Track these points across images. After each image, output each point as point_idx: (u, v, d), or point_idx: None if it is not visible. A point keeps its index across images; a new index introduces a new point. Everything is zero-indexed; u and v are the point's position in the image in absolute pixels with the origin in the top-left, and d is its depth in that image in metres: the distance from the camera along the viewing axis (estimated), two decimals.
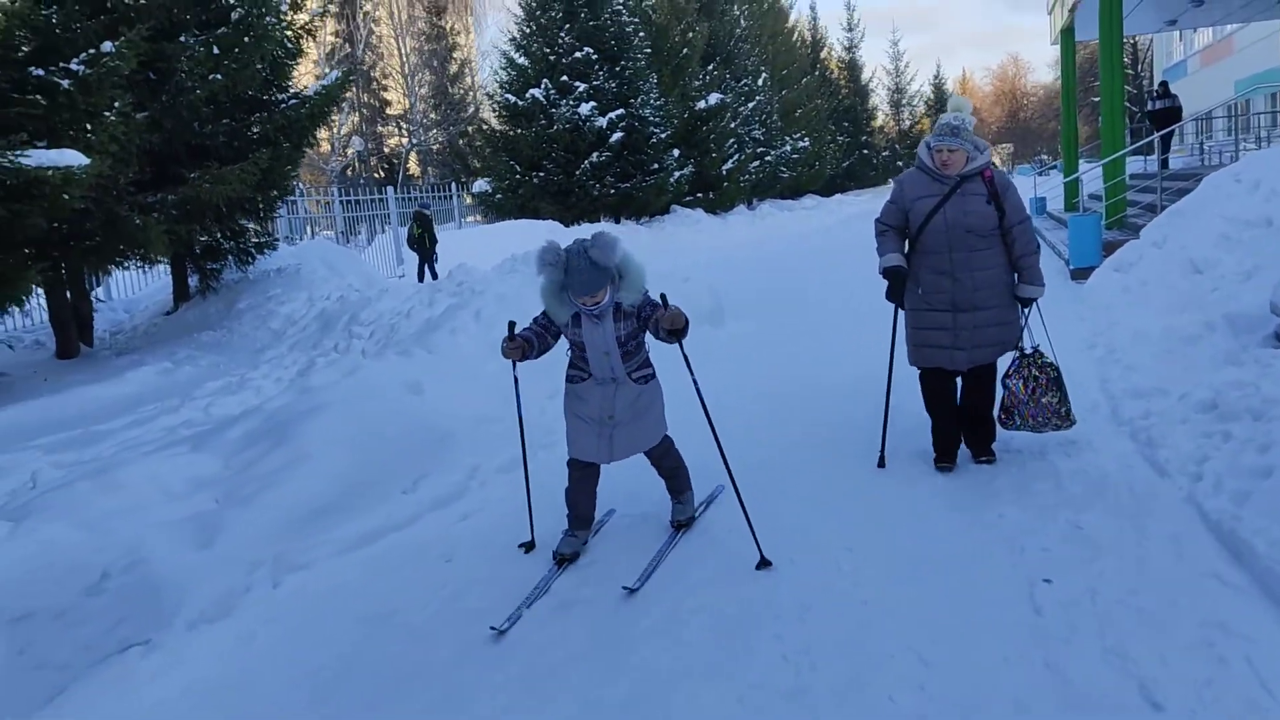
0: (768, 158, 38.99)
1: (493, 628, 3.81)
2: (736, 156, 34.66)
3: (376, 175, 43.41)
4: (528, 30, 27.74)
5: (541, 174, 26.50)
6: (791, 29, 49.44)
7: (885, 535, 4.45)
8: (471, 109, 48.84)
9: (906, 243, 5.29)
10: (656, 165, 28.44)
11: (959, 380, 5.38)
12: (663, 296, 4.32)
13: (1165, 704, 2.89)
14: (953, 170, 5.08)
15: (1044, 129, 77.52)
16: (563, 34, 27.10)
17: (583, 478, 4.57)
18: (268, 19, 11.91)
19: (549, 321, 4.42)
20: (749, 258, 19.05)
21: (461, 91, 47.29)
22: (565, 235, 22.83)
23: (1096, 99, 57.61)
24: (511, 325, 4.41)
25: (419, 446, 5.65)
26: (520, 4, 28.32)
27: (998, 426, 5.35)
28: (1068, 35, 20.93)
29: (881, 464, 5.45)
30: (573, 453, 4.55)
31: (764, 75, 40.38)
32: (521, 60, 27.71)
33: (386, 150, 46.58)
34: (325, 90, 12.73)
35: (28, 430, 7.92)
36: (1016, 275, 5.19)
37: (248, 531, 4.49)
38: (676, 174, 29.50)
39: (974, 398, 5.34)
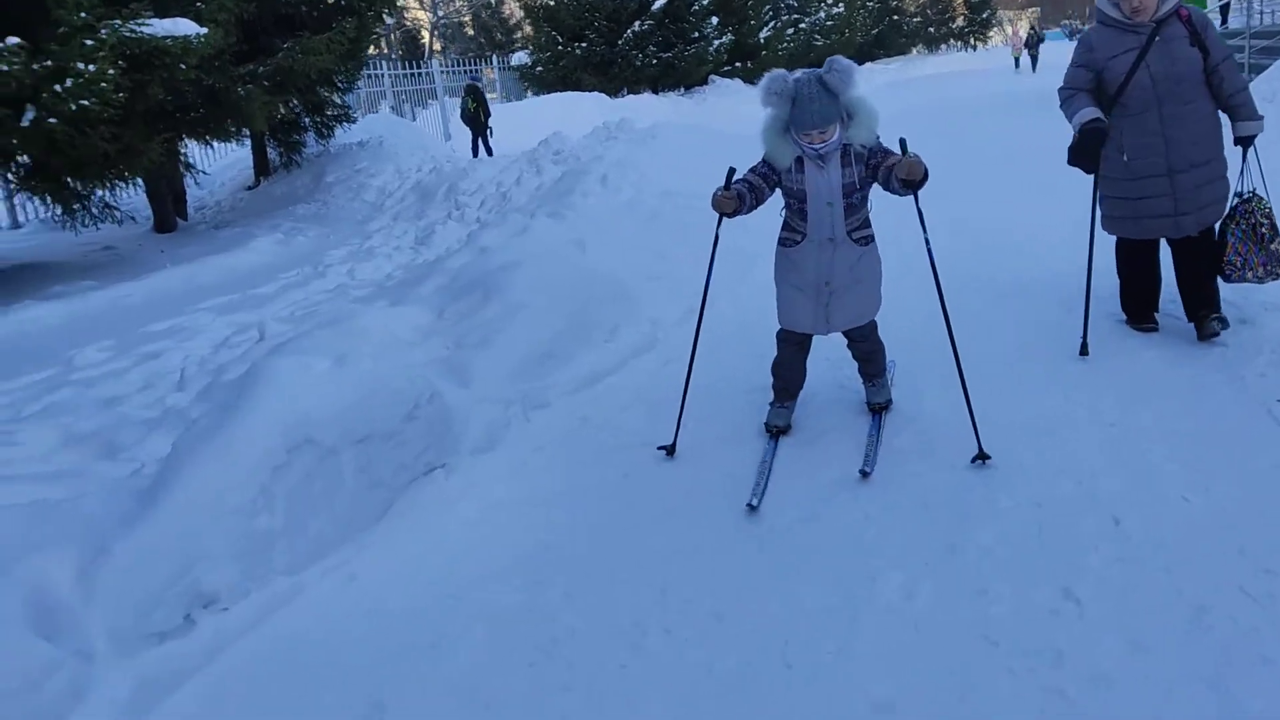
0: (801, 25, 38.19)
1: (748, 505, 3.68)
2: (773, 23, 34.02)
3: (400, 52, 42.76)
4: None
5: (584, 44, 26.12)
6: None
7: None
8: None
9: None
10: (697, 34, 27.98)
11: (1163, 244, 5.05)
12: (902, 141, 3.87)
13: None
14: (1146, 15, 4.63)
15: None
16: None
17: (794, 352, 4.32)
18: None
19: (768, 169, 4.01)
20: None
21: None
22: (611, 108, 22.76)
23: None
24: (731, 172, 4.04)
25: (604, 299, 5.92)
26: None
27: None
28: None
29: (1084, 351, 4.89)
30: (785, 323, 4.27)
31: None
32: None
33: (408, 25, 45.75)
34: None
35: (182, 297, 8.22)
36: (1230, 115, 4.73)
37: (492, 373, 4.82)
38: (716, 43, 29.03)
39: (1200, 261, 4.87)
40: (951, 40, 59.62)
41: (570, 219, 7.29)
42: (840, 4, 42.76)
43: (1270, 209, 4.77)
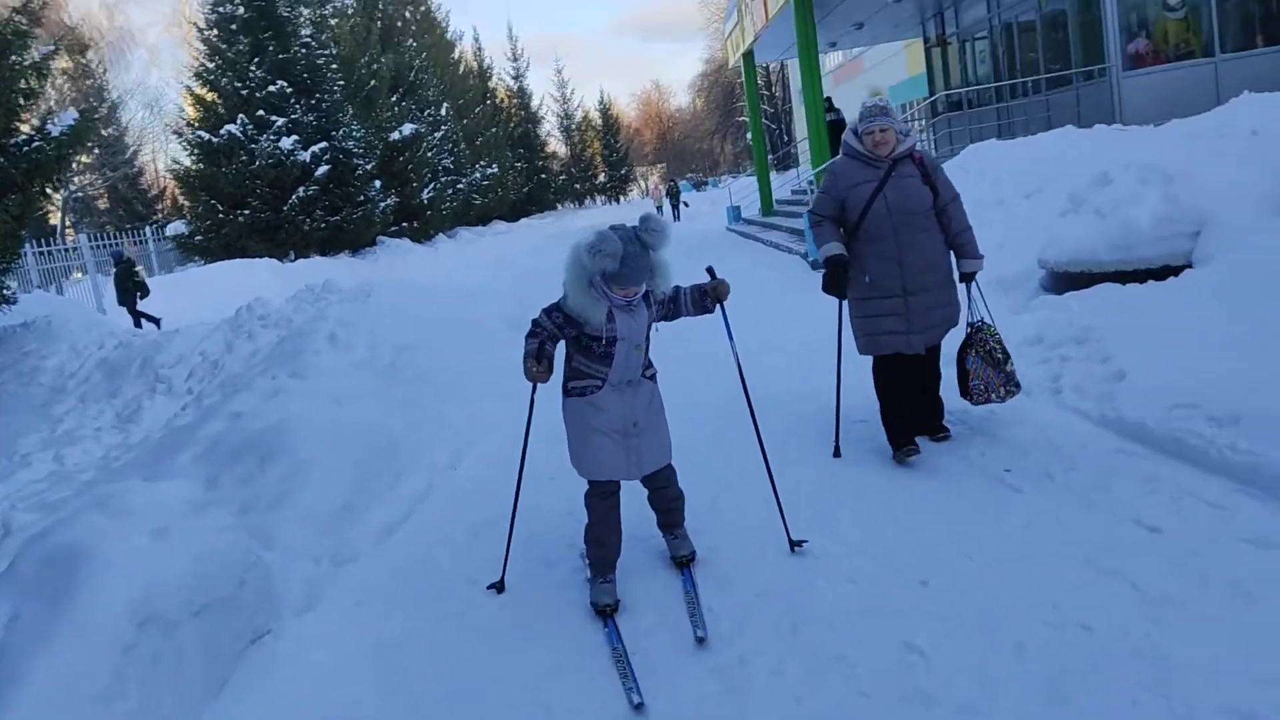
0: (459, 185, 39.55)
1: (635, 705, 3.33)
2: (433, 185, 35.05)
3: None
4: (213, 65, 26.67)
5: (247, 211, 25.58)
6: (459, 60, 50.30)
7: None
8: (131, 150, 45.66)
9: (842, 232, 5.28)
10: (363, 197, 28.29)
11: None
12: (710, 270, 4.27)
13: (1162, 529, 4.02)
14: (886, 150, 5.09)
15: (693, 149, 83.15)
16: (253, 67, 26.32)
17: (609, 507, 4.13)
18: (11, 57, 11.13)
19: (563, 323, 3.94)
20: (506, 277, 19.46)
21: (116, 133, 44.07)
22: (286, 272, 22.38)
23: (743, 119, 62.54)
24: (539, 342, 4.03)
25: (380, 450, 5.95)
26: (200, 39, 27.17)
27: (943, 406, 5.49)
28: (748, 59, 23.29)
29: (838, 453, 5.43)
30: (596, 474, 4.07)
31: (445, 105, 40.95)
32: (210, 96, 26.61)
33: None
34: (73, 129, 12.00)
35: None
36: (955, 252, 5.27)
37: (297, 532, 4.71)
38: (382, 204, 29.45)
39: (926, 378, 5.41)
40: (596, 194, 63.77)
41: (314, 377, 7.21)
42: (493, 165, 44.78)
43: (999, 334, 5.36)
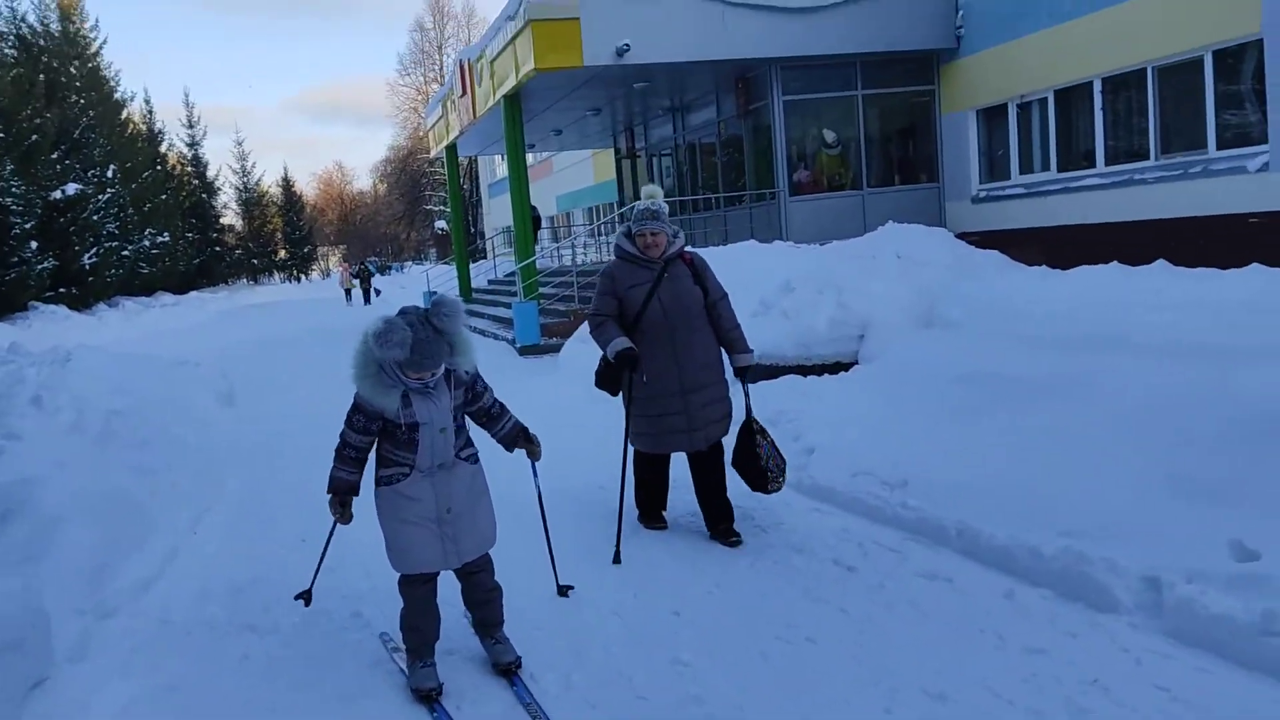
0: (125, 252, 37.05)
1: None
2: (97, 250, 32.68)
3: None
4: None
5: None
6: (127, 121, 47.46)
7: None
8: None
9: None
10: (17, 258, 26.01)
11: (680, 461, 5.56)
12: (525, 433, 4.20)
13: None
14: (657, 253, 5.25)
15: (376, 233, 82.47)
16: None
17: (426, 595, 3.96)
18: None
19: (365, 423, 3.80)
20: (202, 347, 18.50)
21: None
22: None
23: (430, 207, 62.97)
24: (350, 472, 3.89)
25: (127, 510, 5.89)
26: None
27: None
28: (451, 151, 24.06)
29: (617, 560, 5.18)
30: (408, 568, 3.89)
31: (113, 167, 38.42)
32: None
33: None
34: None
35: None
36: (726, 348, 5.42)
37: (56, 587, 4.64)
38: (39, 267, 27.16)
39: (712, 476, 5.43)
40: (275, 271, 61.53)
41: (29, 440, 6.90)
42: (164, 233, 42.34)
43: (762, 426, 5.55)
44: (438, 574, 3.98)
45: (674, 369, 5.25)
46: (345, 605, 4.85)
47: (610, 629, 4.34)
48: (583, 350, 11.66)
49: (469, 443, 4.03)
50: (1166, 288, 8.92)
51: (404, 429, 3.77)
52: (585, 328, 12.17)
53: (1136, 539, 4.29)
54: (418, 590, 3.94)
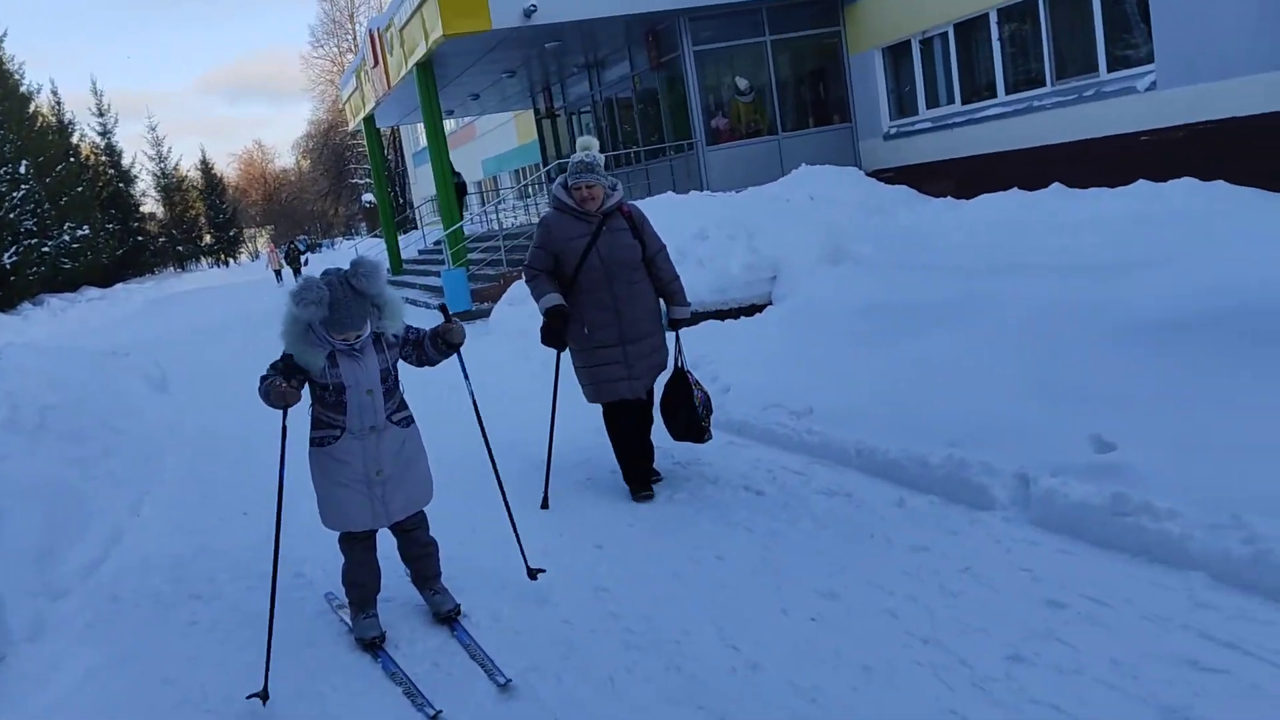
0: (45, 249, 36.29)
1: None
2: (16, 249, 32.01)
3: None
4: None
5: None
6: (35, 114, 46.16)
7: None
8: None
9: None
10: None
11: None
12: (443, 308, 4.29)
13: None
14: (594, 205, 5.22)
15: (303, 210, 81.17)
16: None
17: (364, 551, 4.14)
18: None
19: (293, 369, 3.86)
20: (131, 339, 18.38)
21: None
22: None
23: (356, 180, 62.11)
24: (286, 368, 3.86)
25: (67, 498, 6.06)
26: None
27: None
28: (369, 123, 23.91)
29: (545, 505, 5.42)
30: (341, 526, 4.06)
31: (25, 162, 37.45)
32: None
33: None
34: None
35: None
36: (665, 300, 5.51)
37: (3, 575, 4.83)
38: None
39: (643, 423, 5.60)
40: (202, 257, 60.50)
41: None
42: (83, 226, 41.46)
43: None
44: (375, 531, 4.13)
45: (614, 320, 5.31)
46: (287, 568, 5.04)
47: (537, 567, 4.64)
48: (511, 312, 11.92)
49: (402, 405, 4.12)
50: (1061, 209, 9.42)
51: (330, 390, 3.87)
52: (513, 290, 12.43)
53: (1011, 442, 4.70)
54: (356, 547, 4.12)
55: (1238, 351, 4.62)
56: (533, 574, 4.32)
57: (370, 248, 28.71)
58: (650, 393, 5.63)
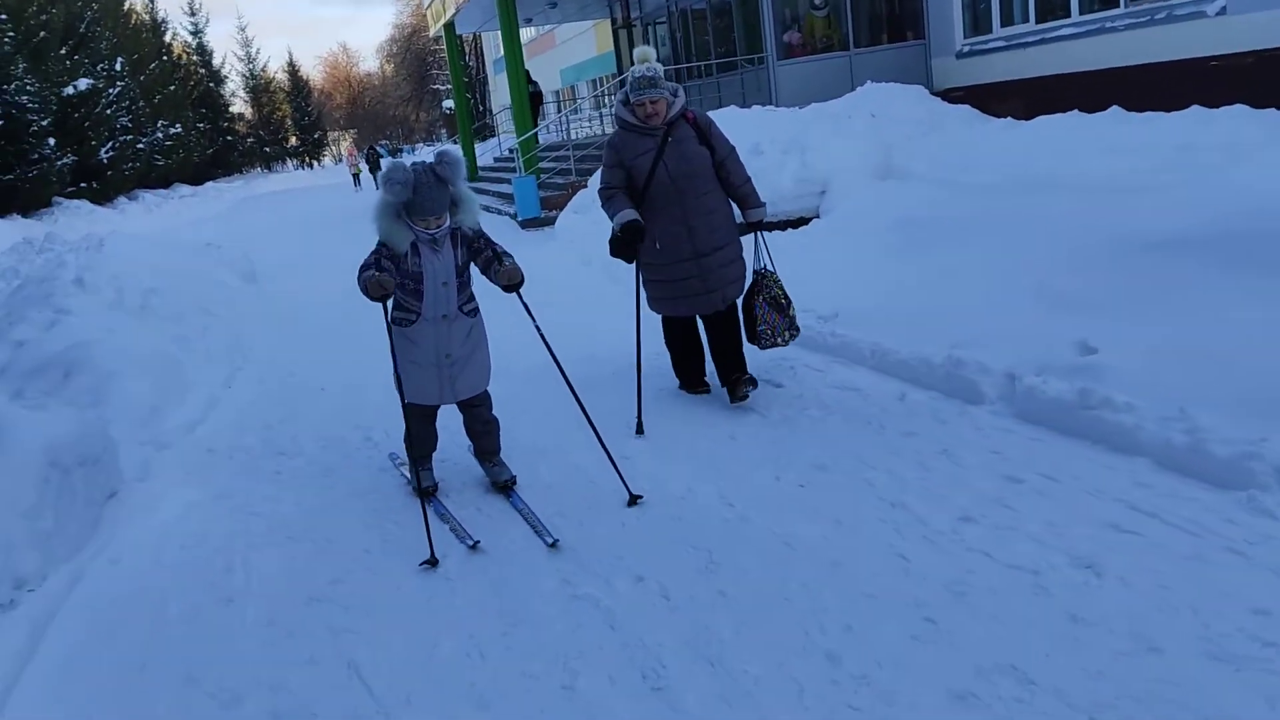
0: (139, 146, 37.63)
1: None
2: (113, 144, 33.32)
3: None
4: None
5: None
6: (130, 12, 47.36)
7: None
8: None
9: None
10: (37, 155, 26.74)
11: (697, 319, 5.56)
12: (499, 255, 4.38)
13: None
14: (659, 120, 5.13)
15: (386, 115, 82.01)
16: None
17: (425, 422, 4.63)
18: None
19: (383, 254, 4.23)
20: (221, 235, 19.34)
21: None
22: None
23: (437, 86, 62.42)
24: (379, 260, 4.21)
25: (167, 367, 6.85)
26: None
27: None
28: (450, 29, 24.32)
29: (640, 430, 5.23)
30: (412, 399, 4.44)
31: (120, 60, 38.66)
32: None
33: None
34: None
35: None
36: (738, 204, 5.38)
37: (118, 423, 5.61)
38: (59, 164, 27.90)
39: (727, 333, 5.47)
40: (288, 158, 61.84)
41: (78, 313, 7.83)
42: (175, 125, 42.77)
43: (780, 281, 5.46)
44: (436, 406, 4.63)
45: (685, 234, 5.24)
46: (357, 433, 5.81)
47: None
48: (576, 221, 12.47)
49: (471, 298, 4.50)
50: (1113, 132, 9.60)
51: (410, 278, 4.26)
52: (577, 198, 12.94)
53: (1006, 344, 5.15)
54: (419, 418, 4.57)
55: (1222, 270, 4.98)
56: (633, 499, 4.32)
57: None
58: (733, 306, 5.50)
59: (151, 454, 5.56)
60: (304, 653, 3.39)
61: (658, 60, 5.23)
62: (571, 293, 8.90)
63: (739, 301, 5.50)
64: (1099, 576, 3.21)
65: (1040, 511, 3.72)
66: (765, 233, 5.62)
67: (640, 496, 4.34)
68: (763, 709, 2.78)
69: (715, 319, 5.49)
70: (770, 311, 5.39)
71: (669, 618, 3.33)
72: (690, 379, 5.78)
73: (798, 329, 5.54)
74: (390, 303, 4.30)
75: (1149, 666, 2.73)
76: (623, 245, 5.24)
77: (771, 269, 5.48)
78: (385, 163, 39.63)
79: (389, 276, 4.15)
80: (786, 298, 5.47)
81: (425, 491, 4.54)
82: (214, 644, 3.53)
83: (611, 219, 5.29)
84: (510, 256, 4.40)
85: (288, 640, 3.50)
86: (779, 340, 5.44)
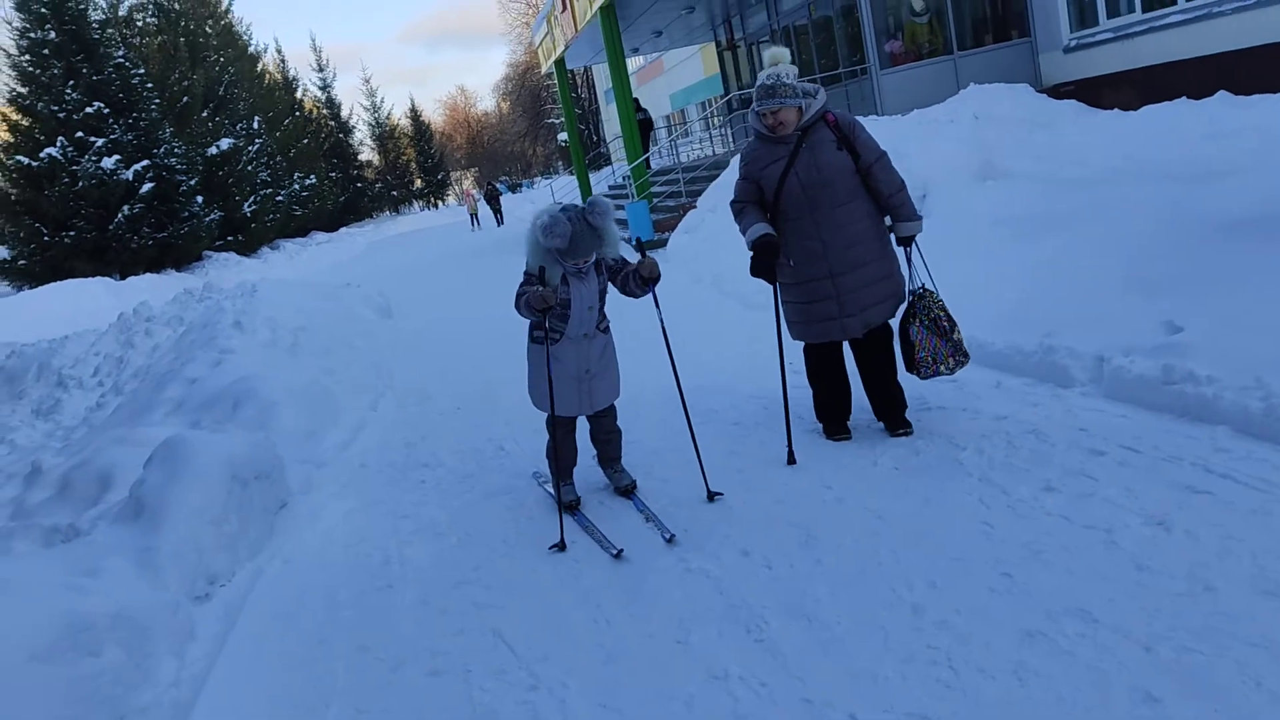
0: (279, 198, 39.92)
1: (618, 552, 4.26)
2: (254, 198, 35.52)
3: None
4: (26, 90, 26.62)
5: (73, 233, 25.74)
6: (263, 72, 50.26)
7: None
8: None
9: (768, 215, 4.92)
10: (187, 213, 28.76)
11: (847, 347, 5.13)
12: (638, 241, 5.15)
13: None
14: (787, 129, 4.74)
15: (504, 152, 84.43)
16: (69, 90, 26.44)
17: (567, 433, 4.95)
18: None
19: (535, 281, 4.56)
20: (359, 275, 20.60)
21: None
22: (120, 290, 22.84)
23: (552, 120, 64.06)
24: (533, 296, 4.47)
25: (320, 397, 7.55)
26: (10, 64, 27.03)
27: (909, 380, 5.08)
28: (560, 65, 25.24)
29: (791, 460, 4.94)
30: (558, 411, 4.79)
31: (257, 118, 41.15)
32: (25, 120, 26.56)
33: None
34: None
35: None
36: (890, 215, 4.85)
37: (282, 445, 6.29)
38: (207, 219, 29.93)
39: (877, 364, 5.03)
40: (413, 200, 64.34)
41: (239, 352, 8.68)
42: (310, 176, 45.18)
43: (942, 301, 4.92)
44: (576, 417, 4.97)
45: (820, 249, 4.81)
46: (491, 444, 6.37)
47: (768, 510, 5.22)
48: (687, 241, 12.95)
49: (605, 317, 4.84)
50: (1220, 116, 9.58)
51: (559, 304, 4.57)
52: (687, 219, 13.43)
53: (1095, 329, 5.36)
54: (562, 430, 4.94)
55: None
56: (711, 495, 4.66)
57: (563, 186, 30.21)
58: (882, 331, 5.01)
59: (311, 471, 6.21)
60: (455, 625, 3.91)
61: (792, 62, 4.82)
62: (689, 311, 9.28)
63: (896, 327, 4.99)
64: (1168, 531, 3.47)
65: (1119, 479, 3.97)
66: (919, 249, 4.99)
67: (720, 493, 4.63)
68: (850, 652, 3.15)
69: (862, 346, 5.05)
70: (930, 336, 4.84)
71: (771, 585, 3.72)
72: (831, 421, 5.20)
73: (965, 355, 4.92)
74: (535, 322, 4.72)
75: (1205, 603, 3.00)
76: (758, 264, 4.92)
77: (931, 288, 4.95)
78: (506, 199, 40.64)
79: (550, 291, 4.48)
80: (950, 320, 4.89)
81: (569, 506, 4.88)
82: (379, 621, 4.08)
83: (744, 235, 4.97)
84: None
85: (440, 617, 4.02)
86: (941, 369, 4.87)
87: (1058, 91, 15.30)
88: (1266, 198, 5.69)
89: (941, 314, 4.88)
